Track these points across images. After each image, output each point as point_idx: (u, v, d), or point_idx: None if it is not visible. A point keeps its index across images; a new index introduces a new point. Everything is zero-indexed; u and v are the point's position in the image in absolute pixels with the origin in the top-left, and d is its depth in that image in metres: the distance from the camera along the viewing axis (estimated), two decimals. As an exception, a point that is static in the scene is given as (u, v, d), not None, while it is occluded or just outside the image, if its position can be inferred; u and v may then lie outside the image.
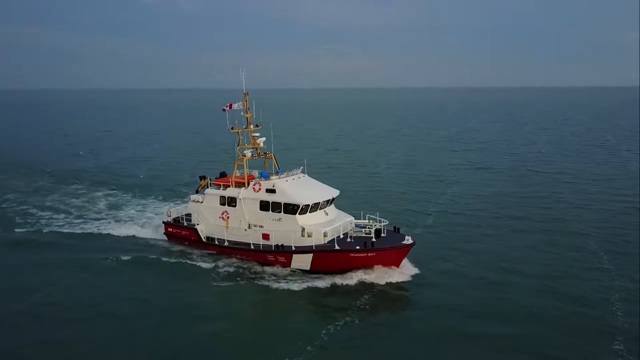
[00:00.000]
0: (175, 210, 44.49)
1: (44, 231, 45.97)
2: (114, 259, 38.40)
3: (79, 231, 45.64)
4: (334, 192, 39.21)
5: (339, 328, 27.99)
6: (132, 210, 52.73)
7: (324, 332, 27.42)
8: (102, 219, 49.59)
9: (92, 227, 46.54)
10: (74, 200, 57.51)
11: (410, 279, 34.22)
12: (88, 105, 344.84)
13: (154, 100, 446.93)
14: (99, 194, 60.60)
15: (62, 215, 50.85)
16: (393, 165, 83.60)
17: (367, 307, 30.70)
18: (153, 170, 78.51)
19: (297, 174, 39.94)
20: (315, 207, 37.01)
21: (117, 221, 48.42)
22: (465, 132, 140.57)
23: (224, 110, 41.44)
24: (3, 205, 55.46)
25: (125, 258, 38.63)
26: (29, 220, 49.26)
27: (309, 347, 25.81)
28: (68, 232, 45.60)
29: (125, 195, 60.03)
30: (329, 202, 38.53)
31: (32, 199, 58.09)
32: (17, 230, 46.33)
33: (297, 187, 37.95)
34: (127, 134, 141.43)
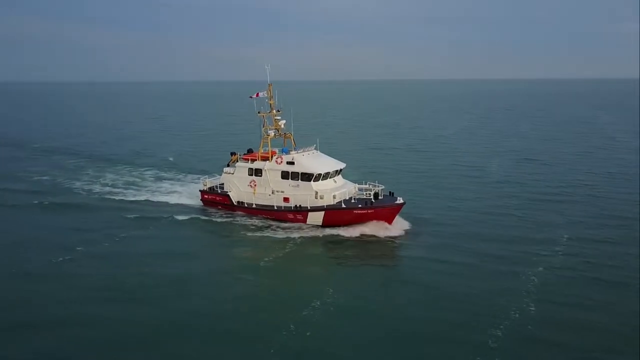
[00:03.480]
0: (210, 180, 53.87)
1: (97, 197, 55.94)
2: (163, 218, 47.92)
3: (131, 198, 55.46)
4: (341, 165, 48.51)
5: (341, 268, 37.03)
6: (171, 183, 62.59)
7: (329, 272, 36.50)
8: (147, 189, 59.48)
9: (138, 195, 56.42)
10: (123, 176, 67.61)
11: (401, 233, 43.40)
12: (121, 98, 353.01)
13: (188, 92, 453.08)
14: (145, 170, 71.30)
15: (119, 188, 60.61)
16: (395, 144, 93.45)
17: (364, 253, 39.72)
18: (195, 150, 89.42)
19: (311, 150, 49.17)
20: (327, 175, 46.33)
21: (159, 192, 58.07)
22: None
23: (251, 97, 50.60)
24: (68, 181, 65.41)
25: (170, 218, 48.14)
26: (86, 190, 59.51)
27: (320, 285, 33.91)
28: (127, 199, 55.36)
29: (163, 171, 70.68)
30: (337, 172, 47.86)
31: (84, 176, 68.40)
32: (75, 195, 56.80)
33: (311, 160, 47.28)
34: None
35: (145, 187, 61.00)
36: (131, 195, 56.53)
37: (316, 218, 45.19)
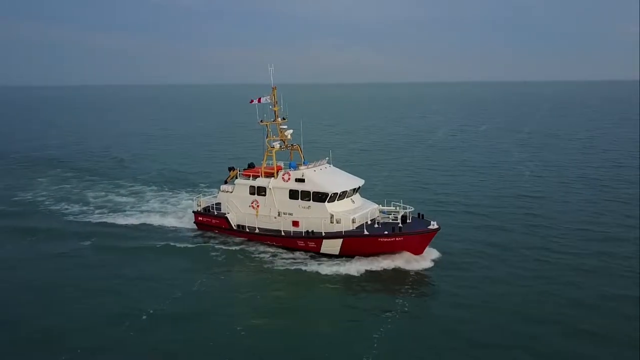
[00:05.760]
0: (205, 200, 46.36)
1: (72, 221, 48.05)
2: (147, 247, 40.46)
3: (111, 221, 47.57)
4: (359, 181, 41.14)
5: (361, 311, 29.92)
6: (160, 202, 54.60)
7: (346, 313, 29.59)
8: (131, 210, 51.40)
9: (121, 218, 48.34)
10: (102, 193, 59.64)
11: (433, 265, 36.02)
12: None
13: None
14: (126, 186, 62.84)
15: (93, 208, 52.79)
16: (415, 156, 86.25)
17: (388, 290, 32.64)
18: (180, 163, 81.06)
19: (323, 164, 41.84)
20: (343, 195, 38.94)
21: (145, 212, 50.31)
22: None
23: (252, 102, 43.21)
24: (34, 199, 57.56)
25: (157, 246, 40.62)
26: (64, 212, 51.34)
27: (332, 328, 27.74)
28: (100, 222, 47.60)
29: (152, 187, 62.13)
30: (355, 191, 40.46)
31: (58, 193, 60.19)
32: (54, 220, 48.46)
33: (325, 176, 39.88)
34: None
35: (130, 206, 53.22)
36: (111, 217, 48.73)
37: (332, 246, 37.81)
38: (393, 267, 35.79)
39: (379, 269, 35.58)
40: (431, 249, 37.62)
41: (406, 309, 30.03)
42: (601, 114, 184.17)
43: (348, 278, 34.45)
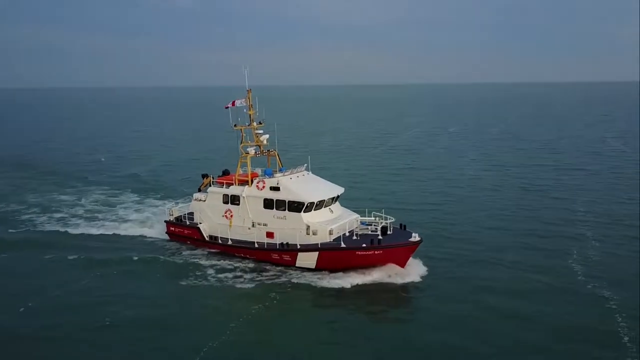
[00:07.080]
0: (177, 209, 43.91)
1: (42, 231, 45.53)
2: (114, 259, 37.93)
3: (78, 231, 44.97)
4: (338, 190, 38.71)
5: (339, 329, 27.78)
6: (130, 210, 51.92)
7: (321, 333, 27.36)
8: (100, 218, 48.69)
9: (89, 227, 45.77)
10: (71, 199, 56.93)
11: (416, 279, 33.45)
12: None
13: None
14: (97, 192, 60.35)
15: (59, 215, 50.17)
16: (397, 163, 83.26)
17: (368, 307, 30.30)
18: (153, 168, 77.95)
19: (301, 171, 39.44)
20: (320, 204, 36.51)
21: (115, 220, 47.74)
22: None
23: (226, 107, 40.93)
24: None
25: (125, 258, 38.14)
26: (26, 220, 48.67)
27: (307, 348, 25.57)
28: (66, 232, 45.01)
29: (124, 194, 59.44)
30: (333, 200, 38.05)
31: (27, 198, 57.56)
32: (12, 230, 45.67)
33: (301, 184, 37.45)
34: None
35: (96, 215, 50.20)
36: (73, 226, 46.04)
37: (308, 259, 35.32)
38: (371, 281, 33.29)
39: (356, 282, 33.08)
40: (415, 260, 35.21)
41: (384, 325, 27.94)
42: (580, 115, 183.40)
43: (321, 294, 32.02)
